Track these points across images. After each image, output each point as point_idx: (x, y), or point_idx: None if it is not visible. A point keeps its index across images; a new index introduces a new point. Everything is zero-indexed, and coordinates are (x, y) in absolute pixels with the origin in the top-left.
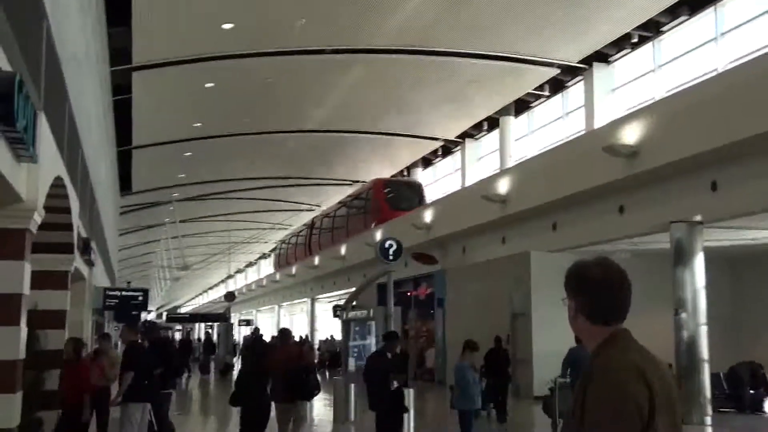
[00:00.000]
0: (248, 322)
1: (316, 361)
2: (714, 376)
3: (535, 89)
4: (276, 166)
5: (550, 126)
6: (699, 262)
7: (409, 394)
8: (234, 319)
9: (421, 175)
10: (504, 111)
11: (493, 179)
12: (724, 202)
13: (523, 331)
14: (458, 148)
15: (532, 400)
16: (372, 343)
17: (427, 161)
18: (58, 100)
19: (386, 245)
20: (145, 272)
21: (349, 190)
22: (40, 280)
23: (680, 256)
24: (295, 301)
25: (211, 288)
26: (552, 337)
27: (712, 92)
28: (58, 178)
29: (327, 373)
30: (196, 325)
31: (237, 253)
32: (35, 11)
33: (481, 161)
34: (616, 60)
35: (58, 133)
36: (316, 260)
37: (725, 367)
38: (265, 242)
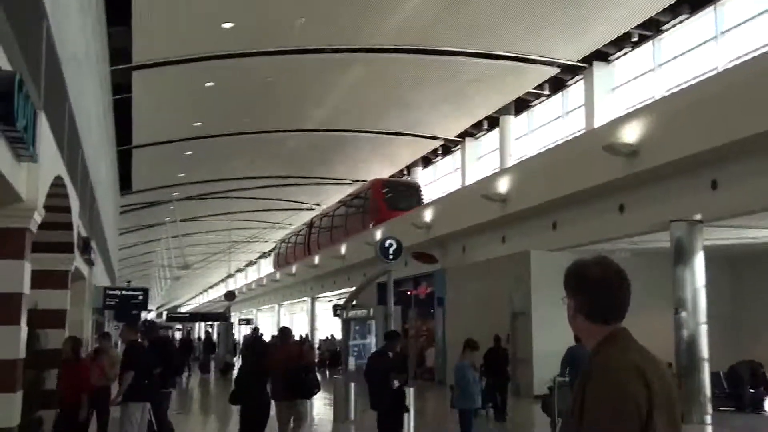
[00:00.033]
0: (248, 322)
1: (316, 360)
2: (714, 375)
3: (535, 88)
4: (276, 166)
5: (550, 125)
6: (699, 261)
7: (409, 394)
8: (234, 318)
9: (421, 175)
10: (504, 110)
11: (493, 178)
12: (724, 200)
13: (523, 330)
14: (458, 147)
15: (532, 400)
16: (372, 342)
17: (427, 160)
18: (58, 100)
19: (386, 244)
20: (145, 271)
21: (349, 189)
22: (41, 280)
23: (680, 255)
24: (296, 301)
25: (211, 287)
26: (552, 336)
27: (712, 91)
28: (58, 178)
29: (327, 372)
30: (196, 324)
31: (237, 253)
32: (35, 11)
33: (481, 160)
34: (616, 59)
35: (58, 133)
36: (317, 259)
37: (725, 366)
38: (265, 241)
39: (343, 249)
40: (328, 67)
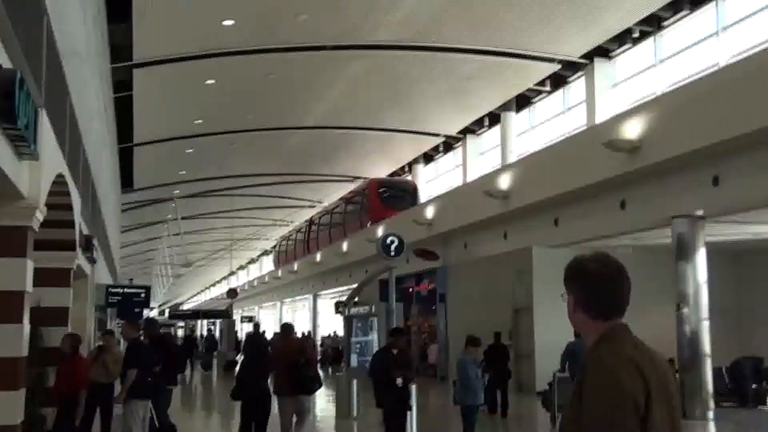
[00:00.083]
0: (250, 319)
1: (318, 357)
2: (716, 371)
3: (536, 84)
4: (277, 163)
5: (552, 121)
6: (701, 256)
7: (412, 391)
8: (236, 315)
9: (422, 171)
10: (505, 106)
11: (494, 175)
12: (725, 196)
13: (525, 326)
14: (459, 143)
15: (534, 395)
16: (374, 339)
17: (428, 157)
18: (59, 98)
19: (388, 241)
20: (147, 269)
21: (351, 187)
22: (43, 278)
23: (682, 250)
24: (298, 298)
25: (213, 285)
26: (554, 332)
27: (714, 87)
28: (60, 176)
29: (330, 369)
30: (199, 321)
31: (239, 250)
32: (36, 8)
33: (482, 157)
34: (617, 55)
35: (60, 131)
36: (318, 257)
37: (728, 361)
38: (267, 239)
39: (344, 246)
40: (329, 64)
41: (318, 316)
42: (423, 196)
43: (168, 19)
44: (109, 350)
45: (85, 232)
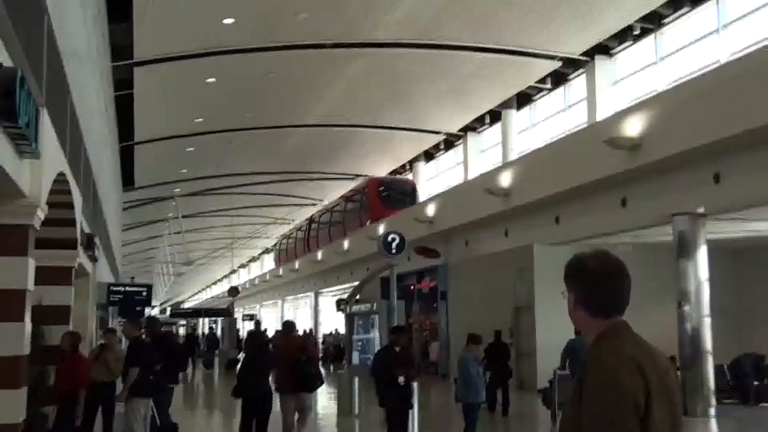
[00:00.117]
0: (252, 317)
1: (320, 355)
2: (718, 368)
3: (537, 82)
4: (278, 161)
5: (553, 119)
6: (702, 254)
7: (413, 388)
8: (238, 313)
9: (423, 169)
10: (506, 104)
11: (495, 172)
12: (726, 194)
13: (526, 323)
14: (460, 141)
15: (535, 393)
16: (376, 336)
17: (429, 155)
18: (60, 96)
19: (389, 239)
20: (149, 268)
21: (352, 185)
22: (44, 276)
23: (683, 248)
24: (299, 296)
25: (214, 283)
26: (555, 330)
27: (714, 84)
28: (61, 174)
29: (331, 367)
30: (200, 320)
31: (240, 248)
32: (36, 8)
33: (483, 154)
34: (618, 52)
35: (61, 129)
36: (319, 255)
37: (728, 359)
38: (268, 237)
39: (346, 244)
40: (329, 63)
41: (319, 313)
42: (424, 194)
43: (168, 17)
44: (110, 348)
45: (87, 230)
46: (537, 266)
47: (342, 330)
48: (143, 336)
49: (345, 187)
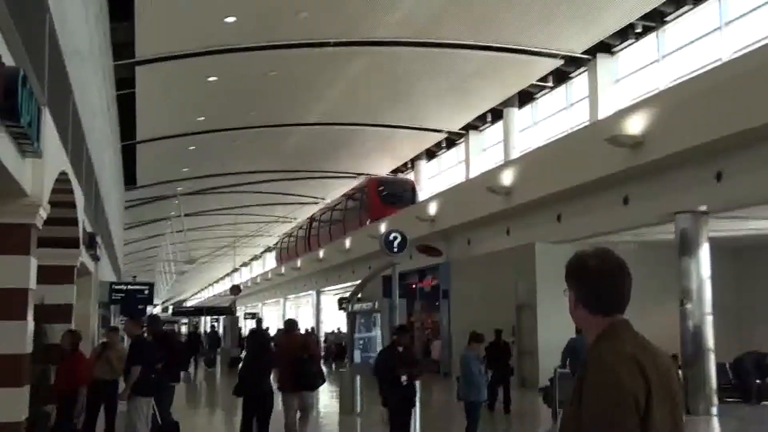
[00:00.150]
0: (254, 315)
1: (322, 353)
2: (720, 366)
3: (538, 80)
4: (280, 160)
5: (554, 117)
6: (704, 252)
7: (416, 387)
8: (240, 312)
9: (425, 167)
10: (508, 102)
11: (497, 171)
12: (729, 192)
13: (528, 322)
14: (462, 140)
15: (537, 391)
16: (378, 335)
17: (430, 153)
18: (62, 95)
19: (391, 237)
20: (151, 266)
21: (353, 183)
22: (47, 275)
23: (685, 246)
24: (301, 294)
25: (216, 281)
26: (557, 328)
27: (716, 82)
28: (63, 173)
29: (333, 365)
30: (202, 318)
31: (242, 247)
32: (38, 7)
33: (485, 153)
34: (619, 50)
35: (63, 128)
36: (321, 253)
37: (731, 357)
38: (270, 235)
39: (347, 243)
40: (331, 61)
41: (321, 312)
42: (425, 193)
43: (169, 16)
44: (113, 347)
45: (89, 229)
46: (539, 265)
47: (344, 328)
48: (145, 334)
49: (347, 186)
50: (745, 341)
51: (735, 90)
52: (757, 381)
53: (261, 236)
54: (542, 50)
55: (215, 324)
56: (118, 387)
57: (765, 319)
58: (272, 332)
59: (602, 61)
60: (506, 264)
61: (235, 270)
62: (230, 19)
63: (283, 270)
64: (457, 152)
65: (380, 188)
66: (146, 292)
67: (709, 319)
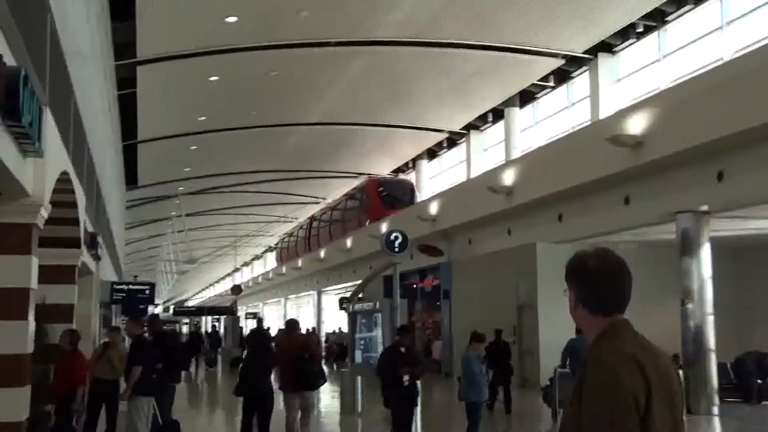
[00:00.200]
0: (255, 315)
1: (323, 353)
2: (721, 366)
3: (539, 80)
4: (281, 159)
5: (555, 117)
6: (705, 252)
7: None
8: (241, 312)
9: (425, 167)
10: (509, 102)
11: (498, 171)
12: (730, 192)
13: (529, 322)
14: (463, 139)
15: (538, 391)
16: (378, 335)
17: (432, 153)
18: (64, 95)
19: (392, 237)
20: (152, 266)
21: (354, 183)
22: (48, 275)
23: (687, 246)
24: (302, 294)
25: (217, 281)
26: (558, 328)
27: (718, 81)
28: (64, 173)
29: (334, 365)
30: (203, 318)
31: (243, 246)
32: (40, 5)
33: (486, 153)
34: (621, 50)
35: (64, 128)
36: (322, 253)
37: (732, 356)
38: (271, 235)
39: (348, 242)
40: (332, 60)
41: (322, 312)
42: (426, 193)
43: (171, 16)
44: (114, 347)
45: (90, 229)
46: (540, 265)
47: (345, 328)
48: (146, 334)
49: (347, 186)
50: (745, 341)
51: (736, 90)
52: (758, 381)
53: (262, 236)
54: (543, 50)
55: (216, 324)
56: (120, 387)
57: (766, 319)
58: (273, 332)
59: (603, 60)
60: (507, 264)
61: (236, 270)
62: (231, 19)
63: (284, 270)
64: (458, 152)
65: (380, 189)
66: (147, 291)
67: (710, 319)
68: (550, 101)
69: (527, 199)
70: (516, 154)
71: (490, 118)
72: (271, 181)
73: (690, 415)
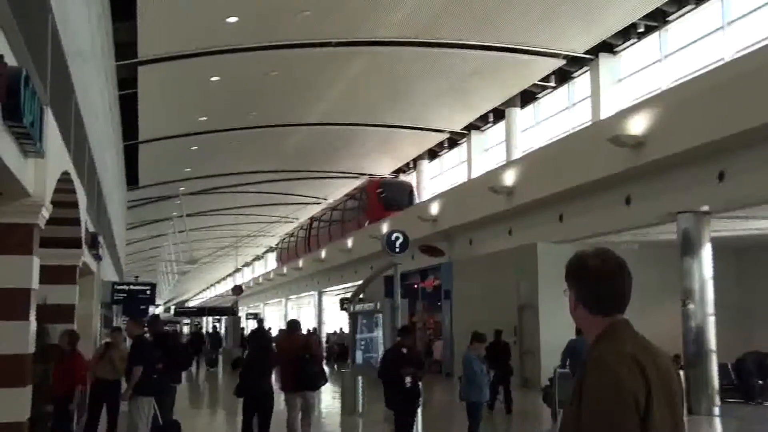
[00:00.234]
0: (255, 315)
1: (324, 354)
2: (722, 367)
3: (541, 80)
4: (281, 160)
5: (556, 117)
6: (706, 252)
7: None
8: (242, 312)
9: (426, 167)
10: (510, 102)
11: (499, 171)
12: (731, 192)
13: (530, 322)
14: (464, 140)
15: (539, 391)
16: (379, 335)
17: (433, 153)
18: (65, 95)
19: (393, 237)
20: (153, 266)
21: (355, 183)
22: (49, 275)
23: (687, 246)
24: (303, 294)
25: (218, 282)
26: (559, 328)
27: (719, 82)
28: (65, 173)
29: (335, 365)
30: (204, 319)
31: (244, 247)
32: (41, 5)
33: (487, 153)
34: (622, 50)
35: (65, 128)
36: (323, 254)
37: (733, 357)
38: (272, 236)
39: (349, 243)
40: (333, 60)
41: (323, 312)
42: (427, 193)
43: (172, 16)
44: (116, 347)
45: (91, 229)
46: (541, 265)
47: (346, 329)
48: (146, 335)
49: (348, 186)
50: (746, 341)
51: (737, 90)
52: (759, 381)
53: (263, 236)
54: (544, 50)
55: (217, 324)
56: (121, 387)
57: (767, 319)
58: (274, 333)
59: (604, 60)
60: (508, 264)
61: (237, 270)
62: (232, 19)
63: (285, 270)
64: (459, 152)
65: (379, 190)
66: (148, 292)
67: (711, 320)
68: (551, 101)
69: (528, 200)
70: (517, 154)
71: (491, 119)
72: (272, 182)
73: (691, 415)
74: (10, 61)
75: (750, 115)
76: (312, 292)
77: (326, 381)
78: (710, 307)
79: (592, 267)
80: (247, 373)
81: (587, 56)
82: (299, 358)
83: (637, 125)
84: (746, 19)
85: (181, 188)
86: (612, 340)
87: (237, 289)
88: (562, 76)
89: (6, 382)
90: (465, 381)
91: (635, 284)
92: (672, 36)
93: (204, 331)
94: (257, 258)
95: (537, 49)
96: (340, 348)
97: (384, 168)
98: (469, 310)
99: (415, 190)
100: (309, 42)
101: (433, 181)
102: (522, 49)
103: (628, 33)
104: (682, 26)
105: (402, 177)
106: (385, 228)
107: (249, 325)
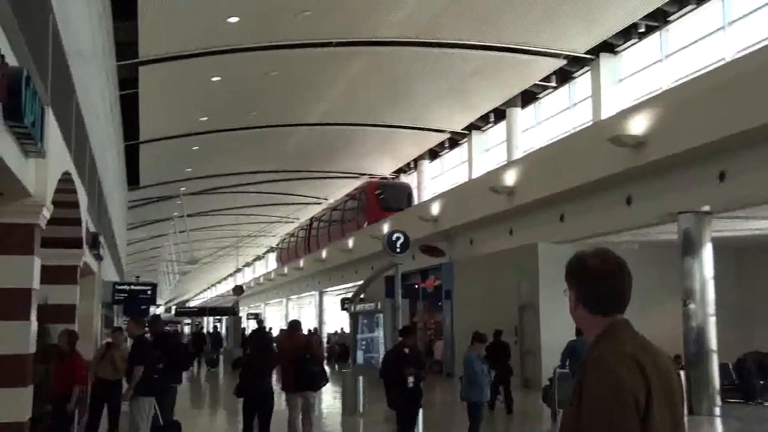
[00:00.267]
0: (256, 316)
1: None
2: (722, 367)
3: (541, 80)
4: (282, 160)
5: (557, 117)
6: (707, 252)
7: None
8: (242, 312)
9: (427, 167)
10: (511, 102)
11: (500, 171)
12: (732, 192)
13: (530, 322)
14: (465, 140)
15: (540, 391)
16: (380, 335)
17: (434, 153)
18: (65, 95)
19: (393, 238)
20: (154, 266)
21: (355, 184)
22: (50, 275)
23: (688, 246)
24: (304, 295)
25: (219, 282)
26: (560, 328)
27: (720, 82)
28: (66, 173)
29: (336, 366)
30: (205, 319)
31: (245, 247)
32: (42, 5)
33: (487, 153)
34: (623, 50)
35: (66, 128)
36: (324, 254)
37: (733, 357)
38: (273, 236)
39: (350, 243)
40: (333, 61)
41: (324, 312)
42: (428, 193)
43: (172, 16)
44: (117, 347)
45: (92, 229)
46: (541, 265)
47: (347, 329)
48: (147, 335)
49: (349, 186)
50: (747, 342)
51: (738, 90)
52: (760, 381)
53: (263, 236)
54: (545, 50)
55: (217, 324)
56: (122, 387)
57: (766, 319)
58: (275, 333)
59: (605, 60)
60: (509, 264)
61: (238, 270)
62: (233, 19)
63: (285, 270)
64: (460, 152)
65: (378, 192)
66: (149, 292)
67: (712, 320)
68: (551, 101)
69: (529, 200)
70: (518, 154)
71: (491, 119)
72: (273, 182)
73: (692, 415)
74: (11, 61)
75: (750, 115)
76: (313, 292)
77: (327, 381)
78: (711, 307)
79: (592, 267)
80: (247, 374)
81: (588, 56)
82: (300, 358)
83: (638, 125)
84: (747, 19)
85: (182, 188)
86: (612, 340)
87: (238, 289)
88: (563, 76)
89: (7, 382)
90: (466, 381)
91: (635, 284)
92: (673, 36)
93: (205, 331)
94: (258, 258)
95: (538, 49)
96: (341, 348)
97: (384, 168)
98: (470, 310)
99: (414, 192)
100: (309, 42)
101: (434, 181)
102: (523, 49)
103: (629, 33)
104: (683, 26)
105: (403, 177)
106: (385, 228)
107: (250, 325)
